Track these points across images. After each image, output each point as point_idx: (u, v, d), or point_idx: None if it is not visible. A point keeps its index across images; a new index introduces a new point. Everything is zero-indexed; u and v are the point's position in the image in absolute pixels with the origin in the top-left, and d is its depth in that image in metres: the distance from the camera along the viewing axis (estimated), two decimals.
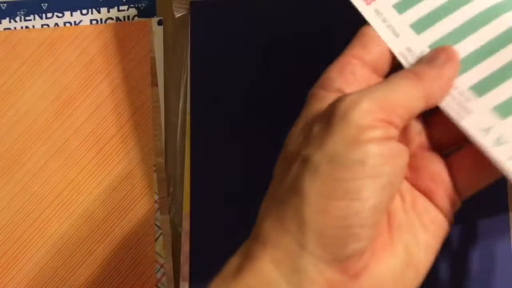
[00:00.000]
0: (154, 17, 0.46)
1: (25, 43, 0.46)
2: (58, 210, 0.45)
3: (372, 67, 0.28)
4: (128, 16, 0.46)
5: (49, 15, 0.46)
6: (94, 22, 0.46)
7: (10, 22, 0.46)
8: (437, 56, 0.28)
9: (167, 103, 0.45)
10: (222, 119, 0.43)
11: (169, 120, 0.45)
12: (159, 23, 0.46)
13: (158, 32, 0.46)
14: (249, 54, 0.43)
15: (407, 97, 0.26)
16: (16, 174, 0.45)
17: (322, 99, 0.27)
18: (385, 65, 0.29)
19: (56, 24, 0.46)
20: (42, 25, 0.46)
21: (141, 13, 0.46)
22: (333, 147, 0.24)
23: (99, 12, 0.46)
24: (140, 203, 0.45)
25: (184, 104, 0.44)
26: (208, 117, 0.43)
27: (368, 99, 0.25)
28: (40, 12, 0.46)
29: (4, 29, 0.46)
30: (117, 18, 0.46)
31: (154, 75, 0.45)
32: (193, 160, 0.43)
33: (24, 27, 0.46)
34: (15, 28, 0.46)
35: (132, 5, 0.46)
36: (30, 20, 0.46)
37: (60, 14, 0.46)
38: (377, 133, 0.24)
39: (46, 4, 0.46)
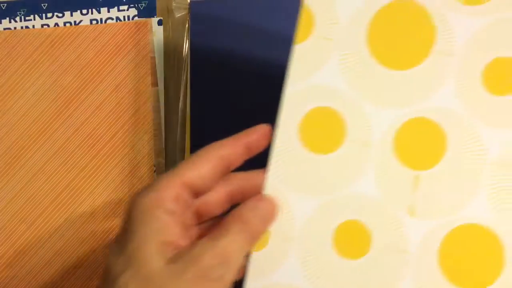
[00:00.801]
0: (154, 17, 0.46)
1: (25, 43, 0.46)
2: (58, 210, 0.45)
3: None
4: (128, 16, 0.46)
5: (49, 15, 0.46)
6: (94, 22, 0.46)
7: (10, 22, 0.46)
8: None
9: (167, 103, 0.45)
10: (222, 119, 0.43)
11: (169, 120, 0.45)
12: (159, 23, 0.46)
13: (158, 32, 0.46)
14: (249, 54, 0.43)
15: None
16: (16, 174, 0.45)
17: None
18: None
19: (56, 24, 0.46)
20: (42, 25, 0.46)
21: (141, 13, 0.46)
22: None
23: (99, 12, 0.46)
24: None
25: (184, 104, 0.44)
26: (208, 117, 0.43)
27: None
28: (40, 12, 0.46)
29: (4, 29, 0.46)
30: (117, 18, 0.46)
31: (154, 75, 0.45)
32: None
33: (24, 27, 0.46)
34: (15, 28, 0.46)
35: (132, 5, 0.46)
36: (30, 20, 0.46)
37: (60, 14, 0.46)
38: None
39: (46, 4, 0.46)
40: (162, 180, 0.28)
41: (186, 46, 0.45)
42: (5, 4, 0.47)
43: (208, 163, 0.29)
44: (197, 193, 0.30)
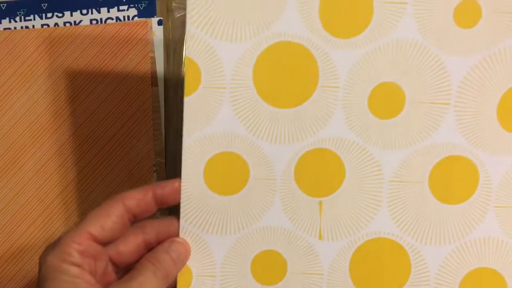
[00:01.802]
0: (154, 17, 0.46)
1: (25, 43, 0.46)
2: (58, 210, 0.45)
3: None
4: (128, 16, 0.46)
5: (49, 15, 0.46)
6: (94, 22, 0.46)
7: (10, 22, 0.46)
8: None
9: (167, 103, 0.45)
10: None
11: (169, 120, 0.45)
12: (159, 23, 0.46)
13: (158, 32, 0.46)
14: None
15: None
16: (16, 174, 0.45)
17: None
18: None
19: (56, 24, 0.46)
20: (42, 25, 0.46)
21: (141, 13, 0.46)
22: None
23: (99, 12, 0.46)
24: None
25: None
26: None
27: None
28: (40, 12, 0.46)
29: (4, 29, 0.46)
30: (117, 18, 0.46)
31: (154, 75, 0.45)
32: None
33: (24, 27, 0.46)
34: (15, 28, 0.46)
35: (132, 5, 0.46)
36: (30, 20, 0.46)
37: (60, 14, 0.46)
38: None
39: (46, 4, 0.46)
40: (68, 235, 0.30)
41: (186, 46, 0.45)
42: (5, 4, 0.47)
43: (111, 215, 0.31)
44: (104, 243, 0.31)
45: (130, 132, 0.45)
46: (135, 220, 0.32)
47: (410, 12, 0.31)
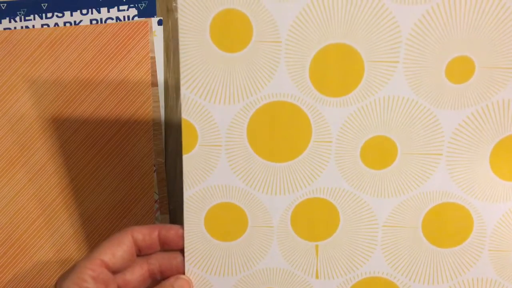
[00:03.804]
0: (154, 17, 0.46)
1: (25, 43, 0.46)
2: (58, 210, 0.45)
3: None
4: (128, 16, 0.46)
5: (49, 15, 0.46)
6: (94, 22, 0.46)
7: (10, 22, 0.46)
8: None
9: (167, 103, 0.45)
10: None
11: (169, 120, 0.45)
12: (159, 23, 0.46)
13: (158, 32, 0.46)
14: None
15: None
16: (16, 174, 0.45)
17: None
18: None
19: (56, 24, 0.46)
20: (42, 25, 0.46)
21: (141, 13, 0.46)
22: None
23: (99, 12, 0.46)
24: (140, 203, 0.45)
25: None
26: None
27: None
28: (40, 12, 0.46)
29: (4, 29, 0.46)
30: (117, 18, 0.46)
31: (154, 75, 0.45)
32: None
33: (24, 27, 0.46)
34: (15, 28, 0.46)
35: (132, 5, 0.46)
36: (30, 20, 0.46)
37: (60, 14, 0.46)
38: None
39: (46, 4, 0.46)
40: (82, 262, 0.32)
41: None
42: (5, 4, 0.47)
43: (122, 244, 0.33)
44: (114, 271, 0.33)
45: (130, 132, 0.45)
46: (140, 254, 0.35)
47: (401, 70, 0.31)
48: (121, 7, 0.46)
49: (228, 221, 0.34)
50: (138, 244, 0.34)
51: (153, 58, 0.45)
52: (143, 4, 0.46)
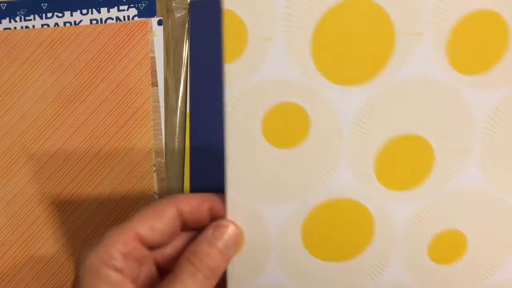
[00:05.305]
0: (154, 17, 0.46)
1: (25, 43, 0.46)
2: (59, 210, 0.45)
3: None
4: (128, 16, 0.46)
5: (49, 15, 0.46)
6: (94, 22, 0.46)
7: (10, 22, 0.46)
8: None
9: (167, 103, 0.45)
10: (221, 119, 0.43)
11: (169, 120, 0.45)
12: (159, 23, 0.46)
13: (158, 32, 0.46)
14: None
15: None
16: (16, 174, 0.45)
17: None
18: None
19: (56, 24, 0.46)
20: (42, 25, 0.46)
21: (141, 13, 0.46)
22: None
23: (99, 12, 0.46)
24: (140, 203, 0.45)
25: (184, 104, 0.45)
26: (208, 117, 0.43)
27: None
28: (40, 12, 0.46)
29: (4, 29, 0.46)
30: (117, 18, 0.46)
31: (154, 75, 0.45)
32: (192, 160, 0.43)
33: (24, 27, 0.46)
34: (15, 28, 0.46)
35: (132, 5, 0.46)
36: (30, 20, 0.46)
37: (60, 14, 0.46)
38: None
39: (46, 4, 0.46)
40: (112, 233, 0.26)
41: (186, 46, 0.45)
42: (5, 4, 0.47)
43: (163, 216, 0.27)
44: (151, 247, 0.28)
45: (130, 132, 0.45)
46: (185, 228, 0.29)
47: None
48: (121, 7, 0.46)
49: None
50: (184, 217, 0.28)
51: (153, 58, 0.45)
52: (143, 4, 0.46)
